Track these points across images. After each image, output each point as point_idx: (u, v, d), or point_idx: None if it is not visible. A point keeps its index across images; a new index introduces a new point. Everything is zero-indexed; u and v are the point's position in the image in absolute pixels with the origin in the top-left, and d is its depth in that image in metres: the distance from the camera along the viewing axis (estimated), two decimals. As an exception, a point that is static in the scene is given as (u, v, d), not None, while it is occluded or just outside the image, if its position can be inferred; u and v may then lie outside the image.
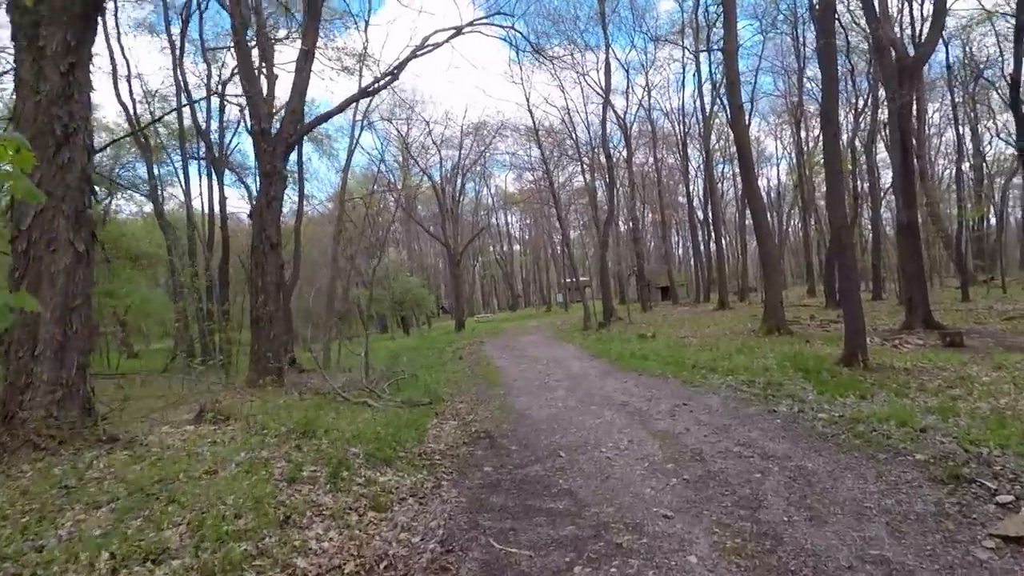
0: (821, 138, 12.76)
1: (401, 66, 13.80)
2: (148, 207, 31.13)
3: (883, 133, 29.10)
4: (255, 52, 16.23)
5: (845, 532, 3.51)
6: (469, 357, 18.26)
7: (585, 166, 29.25)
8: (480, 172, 55.38)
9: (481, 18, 13.87)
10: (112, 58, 22.62)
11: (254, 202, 13.26)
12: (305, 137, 29.71)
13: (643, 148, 42.79)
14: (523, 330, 28.95)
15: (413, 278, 40.26)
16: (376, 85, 13.96)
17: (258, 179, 13.50)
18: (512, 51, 34.21)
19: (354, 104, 18.50)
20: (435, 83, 64.06)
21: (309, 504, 4.30)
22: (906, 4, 21.80)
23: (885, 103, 22.62)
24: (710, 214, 38.08)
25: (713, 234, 31.09)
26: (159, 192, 24.35)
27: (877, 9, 13.79)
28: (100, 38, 37.28)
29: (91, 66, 6.34)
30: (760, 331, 14.99)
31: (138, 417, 7.97)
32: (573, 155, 32.11)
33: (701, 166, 41.28)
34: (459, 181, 36.06)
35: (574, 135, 28.45)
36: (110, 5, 21.68)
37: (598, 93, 28.75)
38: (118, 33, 22.41)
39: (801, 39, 28.31)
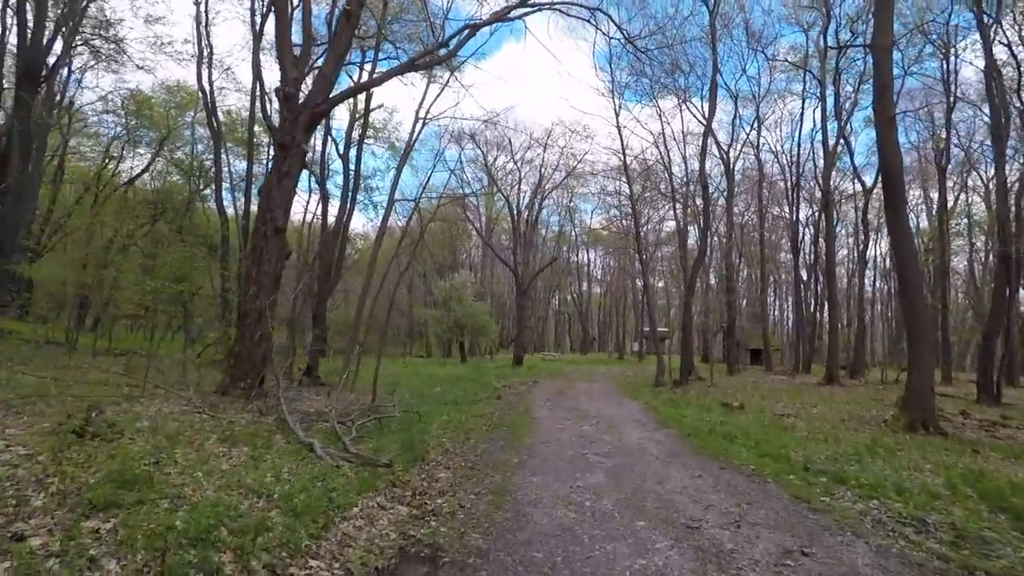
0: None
1: (461, 41, 11.47)
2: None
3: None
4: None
5: None
6: (509, 399, 15.27)
7: (678, 200, 25.79)
8: (565, 204, 53.15)
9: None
10: (199, 44, 22.45)
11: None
12: (377, 140, 28.74)
13: (743, 196, 38.58)
14: (586, 376, 25.49)
15: (479, 303, 37.87)
16: (426, 59, 11.75)
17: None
18: (600, 40, 31.04)
19: (419, 102, 16.47)
20: (519, 99, 62.25)
21: None
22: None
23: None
24: (818, 272, 33.10)
25: (827, 294, 26.27)
26: (222, 182, 23.60)
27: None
28: (192, 24, 38.67)
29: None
30: (897, 424, 10.87)
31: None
32: (665, 190, 28.76)
33: (811, 216, 36.44)
34: (537, 205, 33.59)
35: (667, 166, 25.18)
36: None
37: (699, 121, 25.47)
38: (207, 20, 22.20)
39: (952, 73, 23.74)
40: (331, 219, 21.18)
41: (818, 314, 35.71)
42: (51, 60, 21.48)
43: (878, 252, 44.83)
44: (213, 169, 24.33)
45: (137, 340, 27.30)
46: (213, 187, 29.32)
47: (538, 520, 4.87)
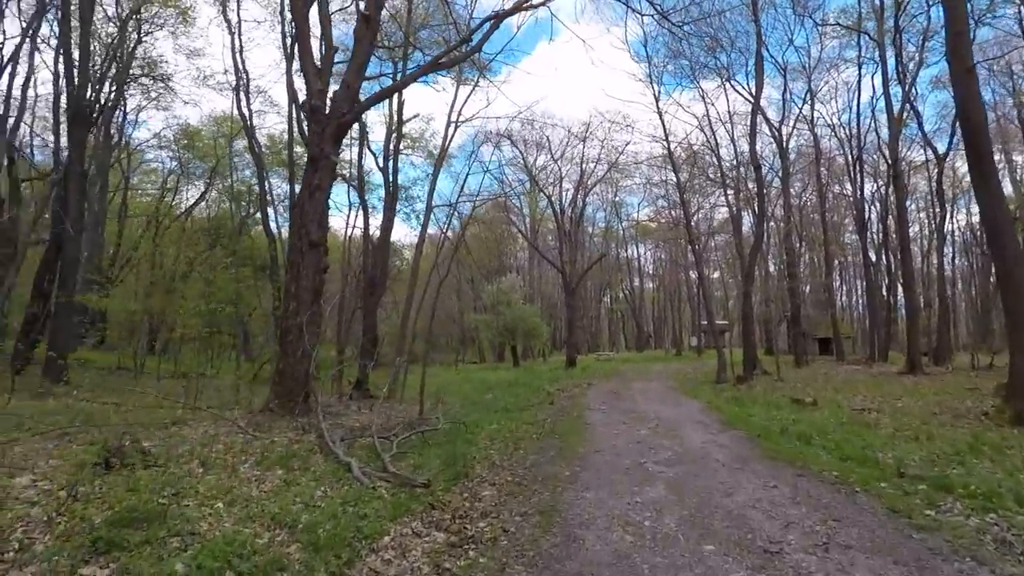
0: None
1: (485, 34, 11.06)
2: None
3: None
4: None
5: None
6: (562, 403, 14.69)
7: (728, 185, 24.51)
8: (610, 200, 51.98)
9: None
10: (236, 72, 23.10)
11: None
12: (415, 150, 28.76)
13: (800, 176, 36.49)
14: (643, 374, 24.57)
15: (527, 306, 37.38)
16: (451, 56, 11.39)
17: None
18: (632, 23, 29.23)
19: (450, 105, 16.19)
20: (554, 96, 61.28)
21: None
22: None
23: None
24: (888, 251, 30.79)
25: (902, 273, 24.25)
26: (267, 205, 24.21)
27: None
28: (227, 53, 40.69)
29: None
30: (1001, 416, 9.59)
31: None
32: (714, 175, 27.39)
33: (876, 192, 33.93)
34: (580, 201, 32.78)
35: (714, 149, 23.92)
36: (233, 17, 22.08)
37: (746, 99, 24.15)
38: (240, 48, 22.80)
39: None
40: (376, 231, 21.37)
41: (891, 297, 33.29)
42: (103, 100, 22.74)
43: (955, 226, 41.49)
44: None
45: (201, 363, 28.14)
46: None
47: (590, 546, 4.31)
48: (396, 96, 18.89)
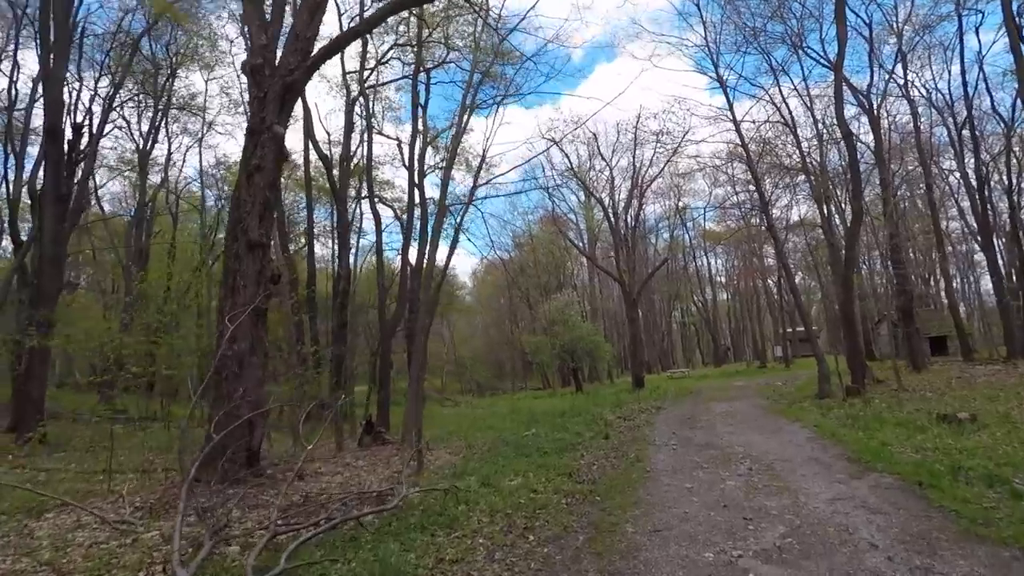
0: None
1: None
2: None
3: None
4: None
5: None
6: (620, 436, 11.44)
7: (810, 167, 20.48)
8: (673, 206, 47.79)
9: None
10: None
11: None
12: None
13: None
14: (723, 392, 20.69)
15: (587, 323, 34.08)
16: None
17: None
18: None
19: (469, 84, 13.75)
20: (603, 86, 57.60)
21: None
22: None
23: None
24: (1016, 235, 25.31)
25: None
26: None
27: None
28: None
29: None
30: None
31: None
32: (789, 160, 23.32)
33: (987, 169, 28.08)
34: (636, 202, 29.34)
35: (787, 119, 20.06)
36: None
37: (824, 64, 20.44)
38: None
39: None
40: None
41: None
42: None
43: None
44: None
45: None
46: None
47: None
48: (420, 101, 16.69)
